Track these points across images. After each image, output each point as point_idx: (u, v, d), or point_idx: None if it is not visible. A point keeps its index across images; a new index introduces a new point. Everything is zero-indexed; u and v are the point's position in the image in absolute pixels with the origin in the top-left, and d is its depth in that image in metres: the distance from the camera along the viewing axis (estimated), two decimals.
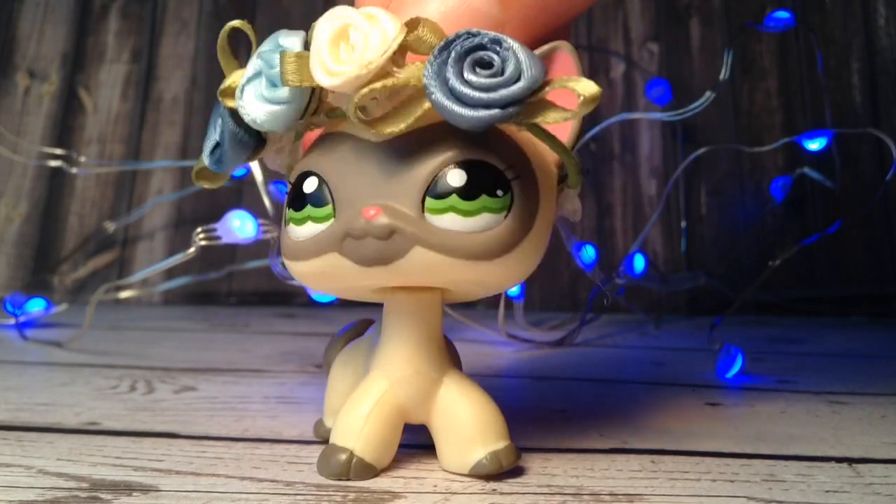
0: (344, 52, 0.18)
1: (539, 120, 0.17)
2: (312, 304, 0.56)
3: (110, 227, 0.66)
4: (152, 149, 0.70)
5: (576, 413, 0.28)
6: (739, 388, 0.33)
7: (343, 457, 0.20)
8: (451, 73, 0.17)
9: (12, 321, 0.46)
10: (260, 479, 0.20)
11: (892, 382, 0.35)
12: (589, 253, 0.49)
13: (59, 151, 0.61)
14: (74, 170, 0.61)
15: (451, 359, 0.22)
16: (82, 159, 0.63)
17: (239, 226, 0.39)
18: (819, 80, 0.64)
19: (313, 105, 0.19)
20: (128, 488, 0.19)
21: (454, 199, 0.18)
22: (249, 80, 0.19)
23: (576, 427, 0.26)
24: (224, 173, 0.21)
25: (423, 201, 0.18)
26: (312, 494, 0.19)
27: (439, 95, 0.17)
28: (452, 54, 0.17)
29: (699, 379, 0.35)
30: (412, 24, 0.18)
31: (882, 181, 0.49)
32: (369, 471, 0.20)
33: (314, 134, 0.22)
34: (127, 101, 0.71)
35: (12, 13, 0.73)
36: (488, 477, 0.20)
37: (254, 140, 0.20)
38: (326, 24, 0.18)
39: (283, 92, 0.18)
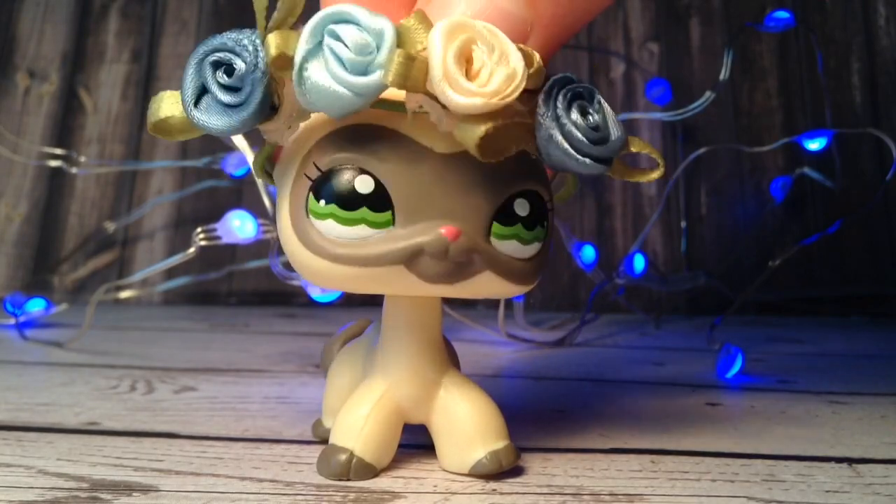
0: (463, 69, 0.17)
1: (624, 177, 0.19)
2: (312, 304, 0.56)
3: (110, 227, 0.66)
4: (152, 149, 0.70)
5: (576, 413, 0.28)
6: (739, 388, 0.33)
7: (343, 457, 0.20)
8: (564, 118, 0.17)
9: (12, 321, 0.46)
10: (260, 480, 0.20)
11: (892, 382, 0.35)
12: (589, 253, 0.49)
13: (59, 151, 0.61)
14: (74, 170, 0.61)
15: (450, 359, 0.22)
16: (82, 159, 0.63)
17: (239, 226, 0.39)
18: (819, 80, 0.64)
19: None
20: (128, 488, 0.19)
21: (519, 228, 0.19)
22: (311, 52, 0.17)
23: (576, 427, 0.26)
24: (205, 129, 0.18)
25: (490, 224, 0.19)
26: (312, 494, 0.19)
27: (559, 137, 0.17)
28: (560, 97, 0.18)
29: (699, 379, 0.35)
30: (528, 58, 0.17)
31: (882, 181, 0.49)
32: (369, 471, 0.20)
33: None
34: (127, 100, 0.71)
35: (12, 13, 0.73)
36: (488, 477, 0.20)
37: (269, 110, 0.18)
38: (446, 32, 0.16)
39: (366, 82, 0.16)
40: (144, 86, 0.71)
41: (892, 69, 0.67)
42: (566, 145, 0.17)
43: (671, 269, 0.64)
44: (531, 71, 0.17)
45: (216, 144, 0.58)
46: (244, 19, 0.72)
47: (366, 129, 0.19)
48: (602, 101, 0.18)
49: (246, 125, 0.17)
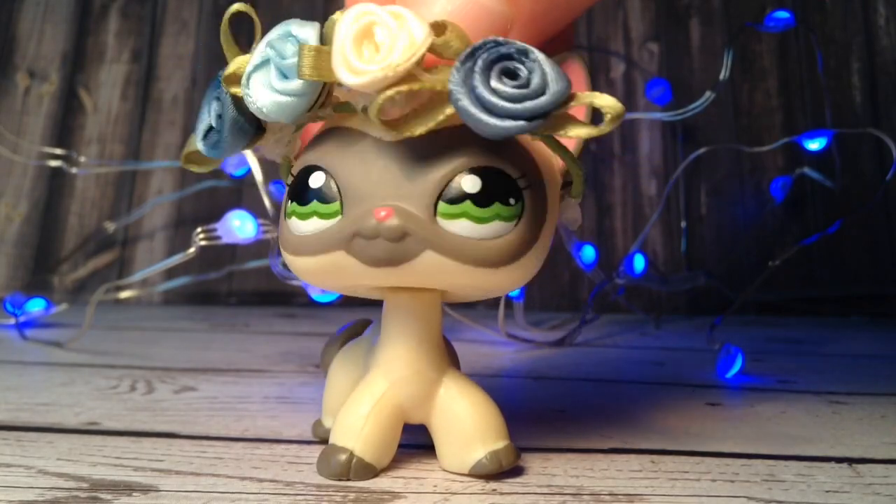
0: (367, 50, 0.17)
1: (562, 133, 0.18)
2: (312, 304, 0.56)
3: (110, 227, 0.66)
4: (152, 149, 0.70)
5: (576, 413, 0.28)
6: (739, 388, 0.33)
7: (343, 457, 0.20)
8: (478, 81, 0.17)
9: (12, 321, 0.46)
10: (260, 479, 0.20)
11: (892, 382, 0.35)
12: (589, 253, 0.49)
13: (59, 151, 0.61)
14: (74, 170, 0.61)
15: (450, 358, 0.22)
16: (82, 159, 0.63)
17: (239, 226, 0.39)
18: (819, 80, 0.64)
19: (322, 98, 0.19)
20: (128, 488, 0.19)
21: (468, 206, 0.18)
22: (256, 67, 0.18)
23: (576, 427, 0.26)
24: (217, 159, 0.21)
25: (435, 205, 0.18)
26: (312, 494, 0.19)
27: (466, 103, 0.17)
28: (479, 62, 0.17)
29: (699, 379, 0.35)
30: (439, 28, 0.17)
31: (882, 181, 0.49)
32: (369, 471, 0.20)
33: (314, 126, 0.21)
34: (127, 101, 0.71)
35: (12, 13, 0.73)
36: (488, 476, 0.20)
37: (253, 128, 0.20)
38: (350, 20, 0.17)
39: (296, 84, 0.18)
40: (144, 86, 0.71)
41: (892, 69, 0.67)
42: (473, 109, 0.17)
43: (671, 269, 0.64)
44: (439, 40, 0.17)
45: None
46: (244, 19, 0.72)
47: (329, 132, 0.20)
48: (540, 56, 0.17)
49: (231, 147, 0.20)
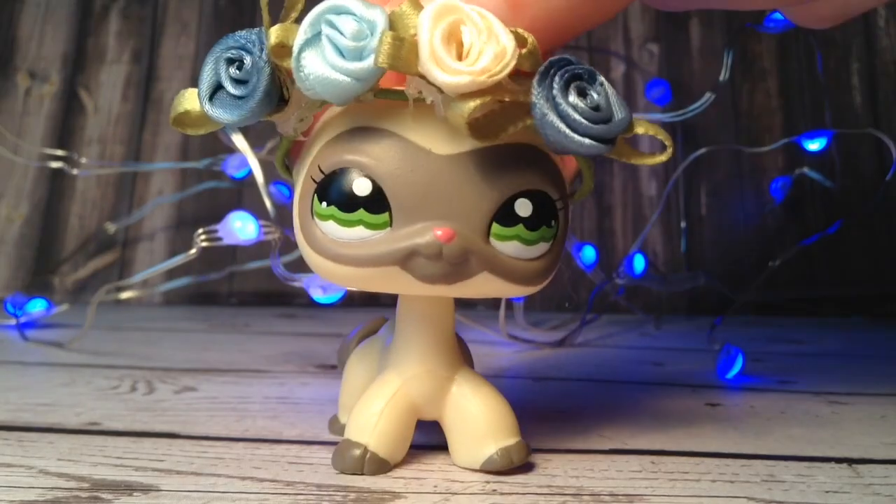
0: (453, 50, 0.17)
1: (625, 160, 0.18)
2: (313, 304, 0.56)
3: (111, 227, 0.66)
4: (153, 149, 0.70)
5: (576, 413, 0.28)
6: (739, 389, 0.33)
7: (357, 452, 0.20)
8: (560, 98, 0.17)
9: (13, 322, 0.46)
10: (260, 479, 0.20)
11: (892, 382, 0.35)
12: (589, 253, 0.49)
13: (59, 152, 0.61)
14: (75, 171, 0.61)
15: (463, 357, 0.23)
16: (83, 160, 0.63)
17: (240, 227, 0.39)
18: (819, 80, 0.64)
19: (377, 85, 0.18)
20: (128, 488, 0.19)
21: (520, 229, 0.19)
22: (308, 42, 0.17)
23: (576, 427, 0.26)
24: (222, 122, 0.19)
25: (489, 225, 0.19)
26: (313, 494, 0.19)
27: (553, 117, 0.17)
28: (557, 78, 0.17)
29: (699, 379, 0.35)
30: (521, 40, 0.17)
31: (882, 181, 0.49)
32: (383, 466, 0.20)
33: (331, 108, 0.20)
34: (127, 101, 0.71)
35: (13, 14, 0.73)
36: (497, 473, 0.20)
37: (277, 100, 0.19)
38: (436, 14, 0.17)
39: (361, 66, 0.17)
40: (145, 87, 0.71)
41: (892, 69, 0.67)
42: (560, 124, 0.17)
43: (671, 270, 0.64)
44: (524, 51, 0.17)
45: (217, 146, 0.58)
46: (244, 20, 0.72)
47: (367, 132, 0.19)
48: (605, 82, 0.18)
49: (254, 114, 0.18)
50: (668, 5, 0.25)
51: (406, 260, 0.18)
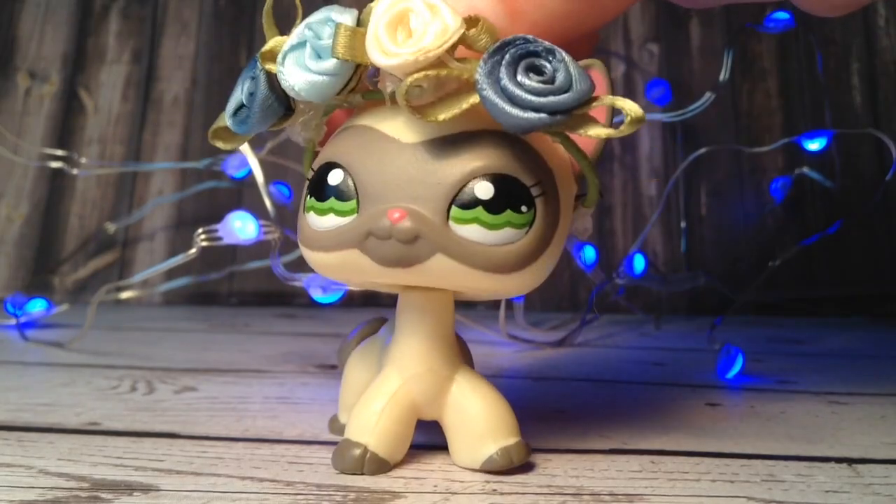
0: (401, 36, 0.18)
1: (581, 132, 0.18)
2: (313, 304, 0.56)
3: (111, 227, 0.66)
4: (153, 149, 0.70)
5: (576, 413, 0.28)
6: (739, 389, 0.33)
7: (357, 451, 0.20)
8: (503, 74, 0.17)
9: (13, 322, 0.46)
10: (260, 479, 0.20)
11: (892, 382, 0.35)
12: (589, 253, 0.49)
13: (59, 152, 0.61)
14: (75, 171, 0.61)
15: (463, 356, 0.23)
16: (83, 160, 0.63)
17: (240, 227, 0.39)
18: (819, 80, 0.64)
19: (353, 82, 0.19)
20: (128, 488, 0.19)
21: (480, 212, 0.19)
22: (293, 47, 0.19)
23: (576, 427, 0.26)
24: (244, 136, 0.21)
25: (448, 209, 0.19)
26: (313, 494, 0.19)
27: (490, 93, 0.17)
28: (507, 56, 0.17)
29: (699, 379, 0.35)
30: (471, 21, 0.18)
31: (882, 181, 0.49)
32: (383, 465, 0.20)
33: (342, 116, 0.22)
34: (127, 101, 0.71)
35: (13, 14, 0.73)
36: (497, 473, 0.20)
37: (283, 108, 0.20)
38: (386, 6, 0.18)
39: (329, 64, 0.18)
40: (145, 87, 0.71)
41: (892, 69, 0.67)
42: (497, 99, 0.17)
43: (671, 269, 0.64)
44: (472, 31, 0.18)
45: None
46: (244, 20, 0.72)
47: (351, 130, 0.20)
48: (566, 57, 0.18)
49: (259, 122, 0.20)
50: (689, 2, 0.25)
51: (363, 242, 0.19)
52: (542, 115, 0.17)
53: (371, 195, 0.19)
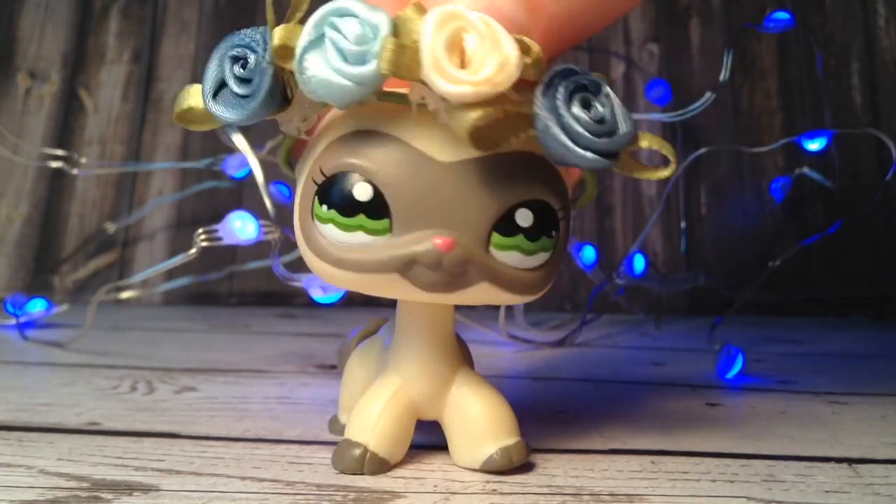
0: (457, 58, 0.17)
1: (629, 174, 0.18)
2: (313, 304, 0.56)
3: (111, 227, 0.66)
4: (153, 149, 0.70)
5: (576, 413, 0.28)
6: (739, 389, 0.33)
7: (357, 451, 0.20)
8: (563, 109, 0.17)
9: (13, 322, 0.46)
10: (260, 479, 0.20)
11: (891, 382, 0.35)
12: (589, 253, 0.49)
13: (59, 152, 0.61)
14: (75, 171, 0.61)
15: (463, 357, 0.23)
16: (83, 160, 0.63)
17: (240, 227, 0.39)
18: (819, 80, 0.64)
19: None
20: (128, 488, 0.19)
21: (520, 239, 0.19)
22: (312, 44, 0.17)
23: (576, 427, 0.26)
24: (226, 121, 0.19)
25: (489, 235, 0.19)
26: (313, 494, 0.19)
27: (556, 130, 0.17)
28: (560, 89, 0.17)
29: (699, 379, 0.35)
30: (524, 47, 0.17)
31: (882, 181, 0.49)
32: (383, 465, 0.20)
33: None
34: (127, 101, 0.71)
35: (13, 14, 0.73)
36: (497, 473, 0.20)
37: (280, 100, 0.19)
38: (438, 21, 0.17)
39: (363, 71, 0.17)
40: (145, 86, 0.71)
41: (892, 69, 0.67)
42: (563, 137, 0.17)
43: (671, 270, 0.64)
44: (528, 61, 0.17)
45: (217, 146, 0.58)
46: (244, 20, 0.72)
47: (370, 136, 0.19)
48: (611, 93, 0.18)
49: (257, 114, 0.18)
50: None
51: (406, 268, 0.18)
52: (601, 158, 0.17)
53: (406, 216, 0.18)
